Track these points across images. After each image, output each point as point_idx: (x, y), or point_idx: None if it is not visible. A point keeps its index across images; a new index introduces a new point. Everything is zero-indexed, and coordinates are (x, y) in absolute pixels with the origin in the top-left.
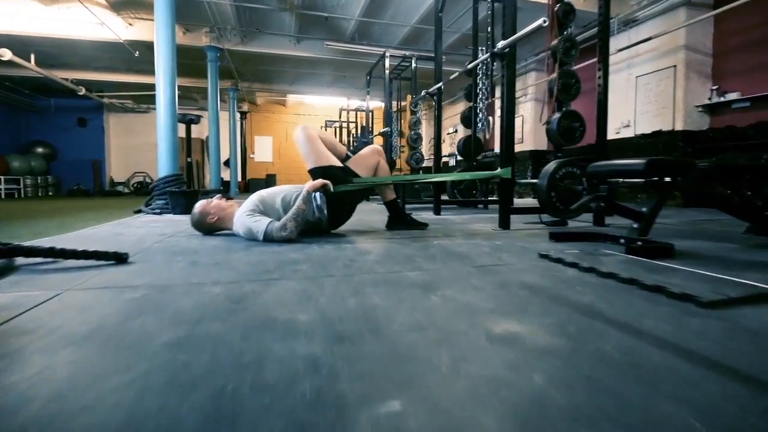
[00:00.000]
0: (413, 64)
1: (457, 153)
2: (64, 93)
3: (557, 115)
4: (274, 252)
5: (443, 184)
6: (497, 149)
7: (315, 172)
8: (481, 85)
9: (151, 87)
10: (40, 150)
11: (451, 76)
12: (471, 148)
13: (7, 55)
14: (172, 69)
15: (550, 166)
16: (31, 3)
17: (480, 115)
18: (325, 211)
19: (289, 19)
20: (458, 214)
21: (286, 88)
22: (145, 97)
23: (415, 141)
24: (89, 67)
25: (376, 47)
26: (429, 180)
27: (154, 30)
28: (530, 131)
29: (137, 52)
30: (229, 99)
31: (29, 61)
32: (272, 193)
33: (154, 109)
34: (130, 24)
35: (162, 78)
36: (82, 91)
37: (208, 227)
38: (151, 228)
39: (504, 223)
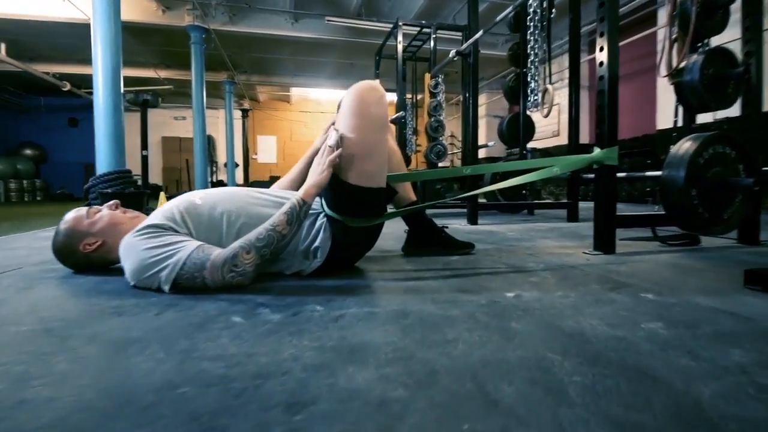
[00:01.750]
0: (432, 37)
1: (498, 139)
2: (54, 91)
3: (695, 57)
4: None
5: (478, 182)
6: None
7: (362, 193)
8: (532, 39)
9: (144, 82)
10: (28, 152)
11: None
12: (520, 130)
13: None
14: (114, 31)
15: (686, 145)
16: None
17: (532, 84)
18: (319, 256)
19: None
20: (503, 223)
21: (287, 81)
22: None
23: (435, 130)
24: (72, 60)
25: (385, 23)
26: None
27: None
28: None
29: None
30: (226, 93)
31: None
32: (216, 199)
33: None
34: None
35: (99, 41)
36: (67, 87)
37: (83, 260)
38: (24, 251)
39: (605, 242)
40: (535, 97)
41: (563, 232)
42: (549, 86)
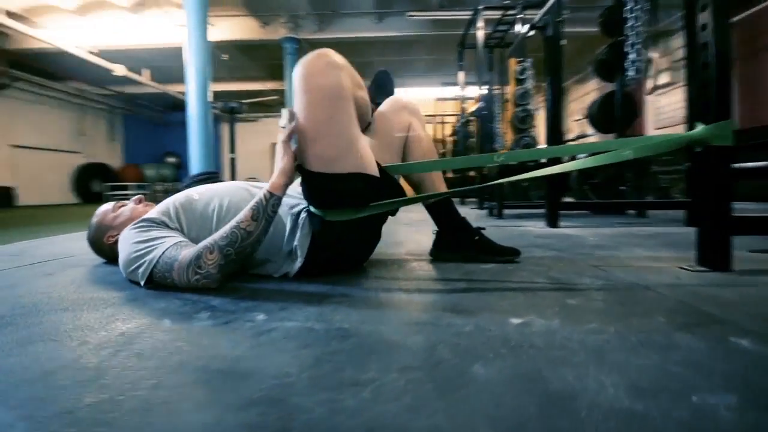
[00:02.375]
0: (518, 17)
1: (588, 125)
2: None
3: None
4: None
5: (563, 179)
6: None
7: (328, 181)
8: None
9: (256, 94)
10: (170, 159)
11: None
12: (616, 110)
13: (120, 70)
14: (202, 50)
15: None
16: (119, 11)
17: (632, 55)
18: (299, 255)
19: None
20: (591, 226)
21: None
22: (253, 106)
23: (522, 121)
24: None
25: (468, 10)
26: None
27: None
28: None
29: (226, 55)
30: None
31: (143, 75)
32: (213, 194)
33: (263, 116)
34: (211, 24)
35: (193, 54)
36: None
37: (109, 251)
38: None
39: (712, 255)
40: (636, 69)
41: (670, 239)
42: (653, 54)
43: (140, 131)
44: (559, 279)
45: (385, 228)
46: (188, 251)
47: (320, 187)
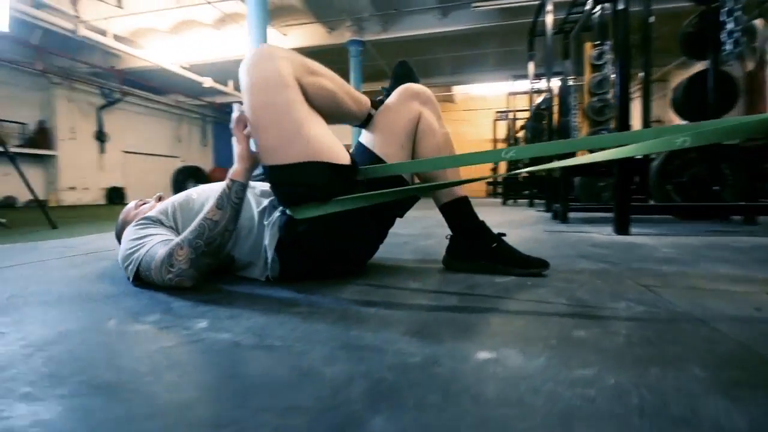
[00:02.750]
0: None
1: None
2: None
3: None
4: None
5: (640, 176)
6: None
7: (281, 174)
8: None
9: None
10: None
11: None
12: (708, 93)
13: (208, 82)
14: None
15: None
16: (205, 29)
17: (729, 24)
18: (268, 255)
19: None
20: (674, 235)
21: (447, 80)
22: None
23: (599, 112)
24: None
25: None
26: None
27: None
28: None
29: None
30: None
31: (228, 86)
32: (210, 193)
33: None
34: (284, 34)
35: None
36: None
37: None
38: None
39: None
40: (735, 42)
41: None
42: (757, 21)
43: (228, 137)
44: (584, 301)
45: (409, 230)
46: (163, 249)
47: (275, 181)
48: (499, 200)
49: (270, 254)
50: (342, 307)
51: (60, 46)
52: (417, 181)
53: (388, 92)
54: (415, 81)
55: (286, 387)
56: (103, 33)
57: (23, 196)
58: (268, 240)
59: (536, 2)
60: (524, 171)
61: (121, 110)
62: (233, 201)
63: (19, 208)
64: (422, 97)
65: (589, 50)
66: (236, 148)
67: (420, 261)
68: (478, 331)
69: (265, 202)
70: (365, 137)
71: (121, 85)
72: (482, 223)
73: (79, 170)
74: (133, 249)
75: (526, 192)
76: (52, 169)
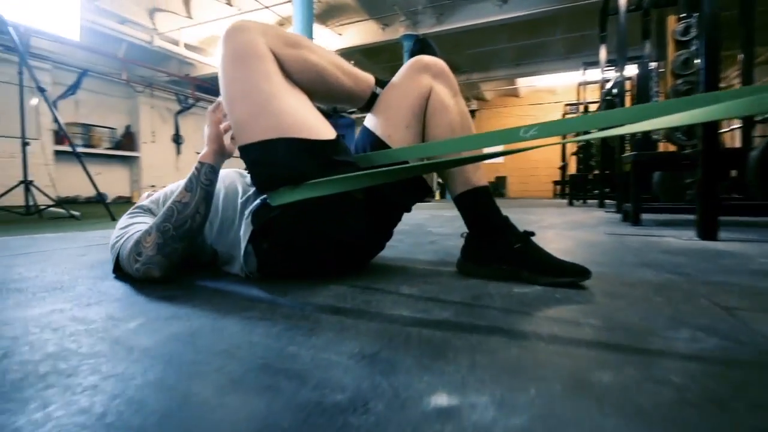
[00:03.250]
0: None
1: None
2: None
3: None
4: None
5: (723, 165)
6: None
7: (250, 152)
8: None
9: None
10: None
11: None
12: None
13: None
14: None
15: None
16: None
17: None
18: (242, 248)
19: None
20: None
21: (510, 72)
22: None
23: (684, 96)
24: None
25: None
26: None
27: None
28: None
29: (352, 61)
30: None
31: None
32: None
33: None
34: (339, 34)
35: None
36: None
37: None
38: None
39: None
40: None
41: None
42: None
43: None
44: (628, 325)
45: (444, 229)
46: (138, 235)
47: (246, 161)
48: (565, 201)
49: (243, 246)
50: (304, 313)
51: (141, 57)
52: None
53: None
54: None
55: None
56: (175, 43)
57: (113, 193)
58: (243, 230)
59: None
60: (580, 139)
61: (194, 115)
62: (203, 182)
63: (108, 203)
64: (434, 69)
65: (673, 24)
66: (206, 130)
67: (434, 263)
68: (451, 360)
69: (251, 191)
70: (369, 120)
71: (194, 91)
72: (505, 219)
73: (158, 170)
74: (117, 239)
75: (596, 191)
76: (136, 168)
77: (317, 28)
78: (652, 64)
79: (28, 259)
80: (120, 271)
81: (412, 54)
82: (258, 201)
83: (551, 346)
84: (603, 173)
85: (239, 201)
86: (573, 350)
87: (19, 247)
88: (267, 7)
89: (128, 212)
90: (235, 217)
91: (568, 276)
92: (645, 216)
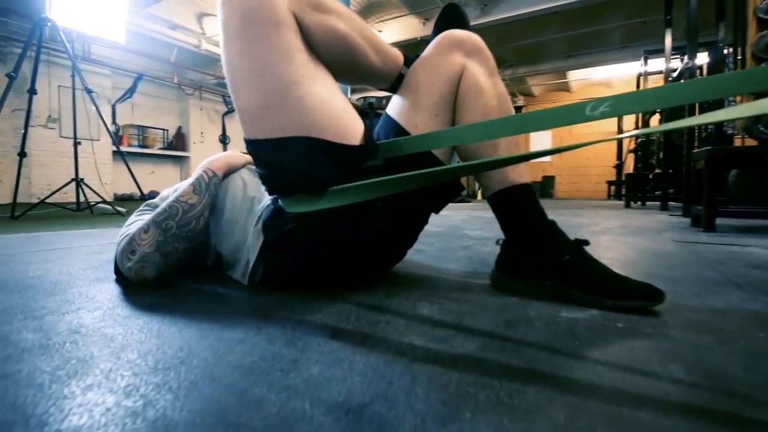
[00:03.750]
0: None
1: None
2: (361, 113)
3: None
4: None
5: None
6: None
7: (260, 151)
8: None
9: None
10: None
11: None
12: None
13: None
14: None
15: None
16: None
17: None
18: (250, 257)
19: None
20: None
21: (560, 65)
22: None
23: None
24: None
25: None
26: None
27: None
28: None
29: None
30: None
31: None
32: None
33: None
34: (380, 30)
35: None
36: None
37: None
38: None
39: None
40: None
41: None
42: None
43: None
44: (724, 377)
45: (482, 232)
46: (127, 236)
47: (255, 159)
48: (621, 203)
49: (252, 258)
50: (294, 336)
51: (191, 61)
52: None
53: None
54: (465, 28)
55: None
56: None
57: (162, 190)
58: (251, 239)
59: None
60: (651, 130)
61: None
62: (211, 191)
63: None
64: (467, 45)
65: (756, 1)
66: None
67: (465, 274)
68: (467, 424)
69: (261, 189)
70: (393, 106)
71: None
72: (551, 224)
73: None
74: (120, 237)
75: (658, 192)
76: (186, 167)
77: None
78: (727, 50)
79: (44, 256)
80: (120, 273)
81: (440, 23)
82: (269, 204)
83: (616, 409)
84: (666, 172)
85: (248, 200)
86: (650, 417)
87: (45, 243)
88: None
89: (138, 209)
90: (240, 218)
91: (634, 298)
92: (720, 221)
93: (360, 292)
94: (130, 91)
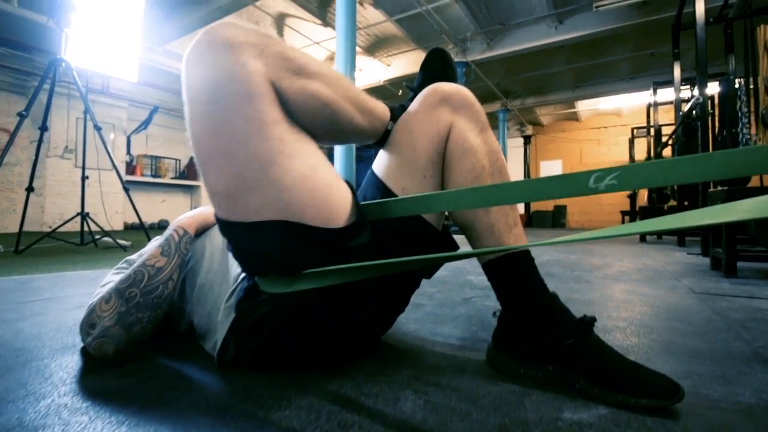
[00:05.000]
0: None
1: None
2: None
3: None
4: None
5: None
6: None
7: (234, 233)
8: None
9: None
10: None
11: None
12: None
13: None
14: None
15: None
16: None
17: None
18: (218, 334)
19: None
20: None
21: (568, 95)
22: None
23: None
24: None
25: None
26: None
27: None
28: None
29: (400, 91)
30: (500, 122)
31: None
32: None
33: None
34: (388, 65)
35: None
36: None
37: None
38: None
39: None
40: None
41: None
42: None
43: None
44: None
45: (485, 279)
46: (95, 300)
47: (228, 240)
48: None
49: (221, 336)
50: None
51: None
52: (450, 223)
53: (414, 92)
54: (451, 78)
55: None
56: None
57: (174, 218)
58: (221, 315)
59: None
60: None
61: None
62: (182, 251)
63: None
64: (454, 100)
65: (766, 34)
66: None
67: (461, 344)
68: None
69: None
70: (378, 162)
71: None
72: (552, 299)
73: None
74: (101, 289)
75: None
76: (196, 196)
77: (365, 59)
78: (738, 81)
79: (24, 311)
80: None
81: (426, 67)
82: (244, 279)
83: None
84: (682, 204)
85: (224, 266)
86: None
87: (33, 291)
88: (317, 43)
89: (116, 266)
90: (214, 285)
91: (648, 395)
92: (741, 264)
93: (339, 374)
94: (146, 123)
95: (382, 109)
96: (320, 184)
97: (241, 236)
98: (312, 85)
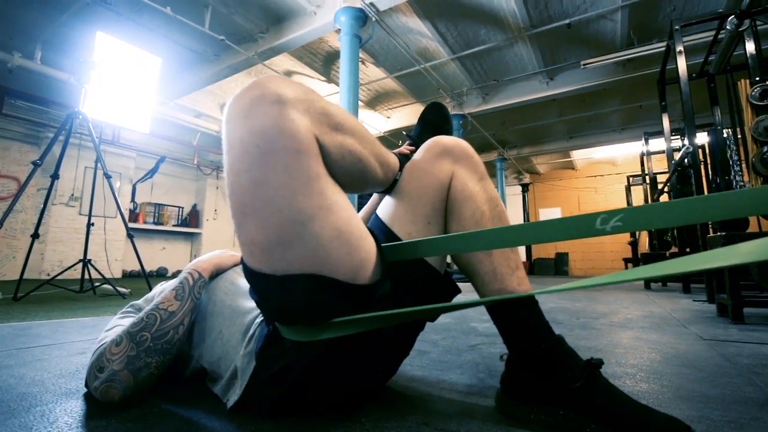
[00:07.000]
0: (745, 29)
1: None
2: None
3: None
4: None
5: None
6: None
7: (264, 285)
8: None
9: None
10: None
11: None
12: None
13: None
14: None
15: None
16: None
17: None
18: (238, 380)
19: (526, 52)
20: None
21: (562, 145)
22: None
23: None
24: None
25: (657, 43)
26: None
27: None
28: None
29: (399, 141)
30: (497, 170)
31: None
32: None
33: None
34: (387, 117)
35: None
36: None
37: None
38: None
39: None
40: None
41: None
42: None
43: None
44: None
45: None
46: (101, 347)
47: (254, 289)
48: (640, 283)
49: (240, 385)
50: None
51: (211, 144)
52: (454, 267)
53: (412, 140)
54: (448, 131)
55: None
56: None
57: (174, 266)
58: (241, 363)
59: (659, 48)
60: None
61: None
62: (195, 295)
63: (168, 276)
64: (455, 152)
65: (747, 89)
66: (222, 251)
67: (470, 390)
68: None
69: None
70: (384, 209)
71: None
72: (558, 341)
73: (216, 245)
74: (96, 346)
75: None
76: (197, 243)
77: (366, 112)
78: (726, 131)
79: (25, 357)
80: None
81: (424, 120)
82: (262, 325)
83: None
84: (683, 251)
85: (235, 309)
86: None
87: (33, 338)
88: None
89: (121, 311)
90: (225, 329)
91: None
92: (748, 310)
93: (347, 420)
94: (152, 172)
95: (393, 159)
96: (353, 238)
97: (270, 287)
98: (348, 140)
